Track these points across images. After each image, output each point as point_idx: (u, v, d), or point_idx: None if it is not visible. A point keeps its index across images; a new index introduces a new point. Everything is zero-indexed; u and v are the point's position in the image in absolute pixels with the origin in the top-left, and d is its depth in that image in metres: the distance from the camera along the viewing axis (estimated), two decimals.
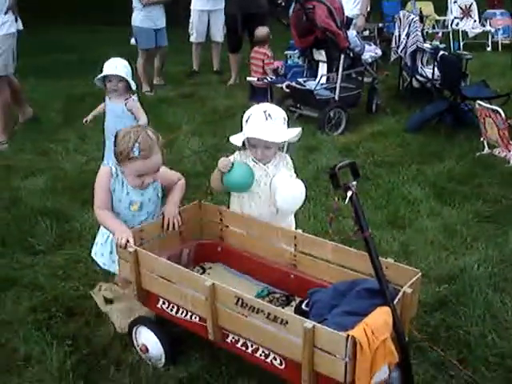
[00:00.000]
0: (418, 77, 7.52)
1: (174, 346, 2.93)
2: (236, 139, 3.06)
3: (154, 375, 2.85)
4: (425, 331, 3.16)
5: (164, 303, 2.80)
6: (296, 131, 3.02)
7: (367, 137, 6.46)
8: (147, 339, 2.95)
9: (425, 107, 6.73)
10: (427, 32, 9.93)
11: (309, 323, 2.18)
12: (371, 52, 7.25)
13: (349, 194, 2.27)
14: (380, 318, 2.24)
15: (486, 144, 5.84)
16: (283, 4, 6.97)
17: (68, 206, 4.68)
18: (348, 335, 2.09)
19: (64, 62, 10.76)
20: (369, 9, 7.60)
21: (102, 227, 3.09)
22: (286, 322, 2.26)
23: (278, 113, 3.00)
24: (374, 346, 2.15)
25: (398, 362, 2.33)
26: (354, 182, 2.30)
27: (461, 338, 3.11)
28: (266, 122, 2.93)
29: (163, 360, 2.91)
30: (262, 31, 7.27)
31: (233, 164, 3.04)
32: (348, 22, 6.74)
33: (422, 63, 7.57)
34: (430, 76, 7.27)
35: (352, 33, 6.77)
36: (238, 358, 2.69)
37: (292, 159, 3.20)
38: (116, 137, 2.85)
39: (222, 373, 2.84)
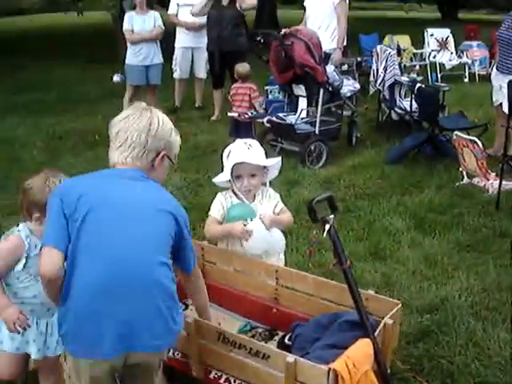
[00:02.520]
0: (397, 109, 7.64)
1: None
2: (220, 177, 3.13)
3: None
4: (408, 362, 3.16)
5: None
6: (277, 159, 3.20)
7: (348, 169, 6.53)
8: None
9: (404, 139, 6.83)
10: (405, 65, 10.09)
11: (290, 357, 2.19)
12: (350, 86, 7.35)
13: (327, 227, 2.31)
14: (361, 350, 2.26)
15: (464, 174, 5.93)
16: (262, 41, 7.09)
17: None
18: (329, 368, 2.11)
19: (46, 100, 10.79)
20: (345, 43, 7.73)
21: None
22: (268, 357, 2.28)
23: (257, 144, 3.19)
24: (356, 379, 2.16)
25: None
26: (332, 216, 2.34)
27: (444, 368, 3.12)
28: (249, 150, 3.09)
29: None
30: (244, 67, 7.36)
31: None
32: (326, 57, 6.85)
33: (400, 96, 7.71)
34: (408, 108, 7.39)
35: (330, 67, 6.88)
36: None
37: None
38: (28, 190, 2.52)
39: None
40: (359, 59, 10.37)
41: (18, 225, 2.62)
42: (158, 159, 2.31)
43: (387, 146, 7.16)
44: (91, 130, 8.45)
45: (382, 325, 2.44)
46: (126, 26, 8.23)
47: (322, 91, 6.64)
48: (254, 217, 3.02)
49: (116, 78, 11.80)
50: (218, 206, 3.15)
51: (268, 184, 3.26)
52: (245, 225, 2.99)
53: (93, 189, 2.21)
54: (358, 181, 6.11)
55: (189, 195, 5.81)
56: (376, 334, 2.38)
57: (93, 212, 2.11)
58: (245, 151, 3.08)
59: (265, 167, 3.13)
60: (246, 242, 3.00)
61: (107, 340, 2.06)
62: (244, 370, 2.38)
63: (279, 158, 3.23)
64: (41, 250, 2.13)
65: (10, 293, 2.54)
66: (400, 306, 2.57)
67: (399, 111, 7.63)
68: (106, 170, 2.33)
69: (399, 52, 9.65)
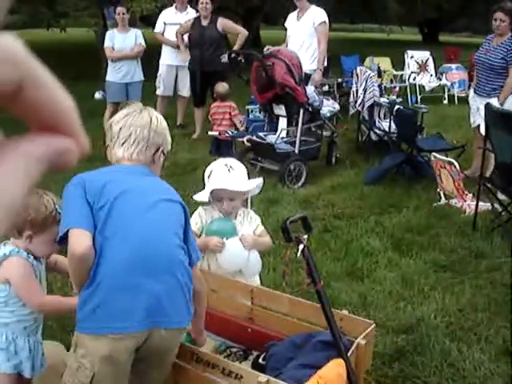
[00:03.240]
0: (376, 130, 7.72)
1: None
2: (201, 196, 3.12)
3: None
4: (383, 382, 3.17)
5: None
6: (258, 181, 3.18)
7: (327, 189, 6.56)
8: None
9: (382, 160, 6.89)
10: (385, 86, 10.22)
11: (263, 377, 2.19)
12: (329, 107, 7.44)
13: (300, 247, 2.32)
14: (333, 370, 2.26)
15: (442, 195, 5.99)
16: (243, 61, 7.14)
17: None
18: None
19: None
20: (326, 64, 7.81)
21: None
22: (241, 377, 2.26)
23: (239, 165, 3.18)
24: None
25: None
26: (306, 236, 2.35)
27: None
28: (229, 173, 3.06)
29: None
30: (223, 87, 7.43)
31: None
32: (306, 78, 6.92)
33: (379, 117, 7.80)
34: (387, 129, 7.47)
35: (310, 88, 6.95)
36: None
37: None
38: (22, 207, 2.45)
39: None
40: (340, 80, 10.48)
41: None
42: (158, 154, 2.43)
43: (366, 167, 7.22)
44: None
45: (354, 345, 2.45)
46: (106, 43, 8.26)
47: (302, 111, 6.69)
48: (234, 233, 3.02)
49: (98, 95, 11.80)
50: (197, 219, 3.14)
51: (250, 205, 3.25)
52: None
53: (115, 178, 2.32)
54: (337, 201, 6.15)
55: None
56: (349, 354, 2.38)
57: (120, 198, 2.21)
58: (225, 175, 3.05)
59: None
60: (220, 257, 3.00)
61: (138, 312, 2.12)
62: None
63: (260, 180, 3.21)
64: (66, 233, 2.12)
65: (6, 311, 2.49)
66: (373, 326, 2.57)
67: (378, 132, 7.71)
68: (117, 165, 2.42)
69: (379, 73, 9.78)
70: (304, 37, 7.66)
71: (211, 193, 3.05)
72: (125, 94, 8.43)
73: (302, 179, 6.72)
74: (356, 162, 7.57)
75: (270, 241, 3.23)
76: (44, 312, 2.60)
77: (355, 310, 3.91)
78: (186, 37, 8.63)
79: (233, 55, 7.35)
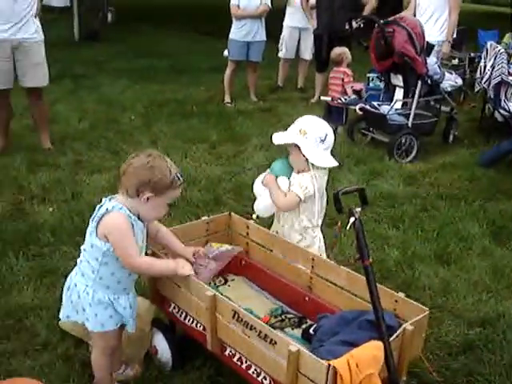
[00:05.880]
0: (501, 110, 7.20)
1: (182, 353, 2.95)
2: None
3: (157, 378, 2.89)
4: (443, 374, 3.01)
5: (174, 308, 2.84)
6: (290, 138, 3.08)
7: (436, 167, 6.25)
8: (158, 342, 2.99)
9: (501, 142, 6.44)
10: None
11: (293, 346, 2.14)
12: (451, 81, 7.02)
13: (351, 219, 2.22)
14: (369, 351, 2.16)
15: None
16: (361, 26, 6.90)
17: None
18: (329, 364, 2.04)
19: (156, 68, 11.16)
20: (455, 35, 7.35)
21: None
22: (275, 343, 2.24)
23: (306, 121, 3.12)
24: (357, 380, 2.07)
25: None
26: (359, 209, 2.25)
27: None
28: (289, 127, 3.14)
29: (170, 364, 2.94)
30: (334, 52, 7.24)
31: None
32: (428, 48, 6.56)
33: (505, 96, 7.25)
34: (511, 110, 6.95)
35: (432, 59, 6.60)
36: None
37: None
38: (149, 169, 2.42)
39: None
40: (472, 55, 9.84)
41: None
42: None
43: (485, 149, 6.78)
44: (191, 100, 8.65)
45: (401, 330, 2.32)
46: (233, 1, 8.28)
47: (419, 83, 6.40)
48: (279, 173, 3.21)
49: (226, 52, 11.93)
50: None
51: (311, 168, 3.07)
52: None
53: None
54: (444, 180, 5.86)
55: None
56: (393, 338, 2.27)
57: None
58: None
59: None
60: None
61: None
62: (253, 352, 2.35)
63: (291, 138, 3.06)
64: None
65: (107, 273, 2.52)
66: (427, 313, 2.43)
67: (503, 112, 7.18)
68: None
69: None
70: (435, 7, 7.26)
71: None
72: (245, 53, 8.48)
73: (412, 154, 6.46)
74: (475, 142, 7.15)
75: (282, 199, 3.10)
76: (137, 273, 2.64)
77: (433, 296, 3.73)
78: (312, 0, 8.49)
79: (354, 22, 7.12)
